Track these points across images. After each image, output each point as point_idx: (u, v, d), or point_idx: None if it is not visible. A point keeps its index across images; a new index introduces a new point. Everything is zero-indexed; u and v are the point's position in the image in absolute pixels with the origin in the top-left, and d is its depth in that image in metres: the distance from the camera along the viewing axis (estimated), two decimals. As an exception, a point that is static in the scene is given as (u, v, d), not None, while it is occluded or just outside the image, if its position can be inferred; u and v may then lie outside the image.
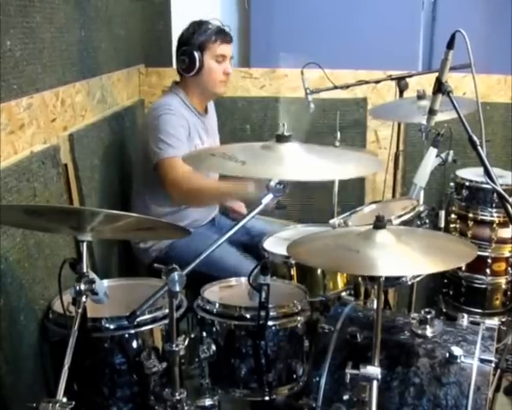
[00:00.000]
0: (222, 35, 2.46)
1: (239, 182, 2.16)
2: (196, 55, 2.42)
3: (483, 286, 2.79)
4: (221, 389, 1.82)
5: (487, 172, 1.62)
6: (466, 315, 1.90)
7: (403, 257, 1.57)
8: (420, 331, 1.80)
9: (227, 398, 1.88)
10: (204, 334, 1.82)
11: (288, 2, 3.26)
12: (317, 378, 1.78)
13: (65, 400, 1.30)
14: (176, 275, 1.42)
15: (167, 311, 1.57)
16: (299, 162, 1.58)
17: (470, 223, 2.78)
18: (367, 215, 2.24)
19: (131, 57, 3.01)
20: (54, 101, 2.00)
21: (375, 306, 1.65)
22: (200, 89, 2.51)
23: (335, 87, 2.69)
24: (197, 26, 2.46)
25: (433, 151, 2.12)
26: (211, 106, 2.69)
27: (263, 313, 1.71)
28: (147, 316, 1.73)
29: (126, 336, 1.71)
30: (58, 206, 1.88)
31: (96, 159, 2.33)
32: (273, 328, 1.79)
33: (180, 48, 2.47)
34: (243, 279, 1.98)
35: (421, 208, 2.16)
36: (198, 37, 2.43)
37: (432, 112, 1.88)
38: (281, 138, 1.60)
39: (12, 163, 1.70)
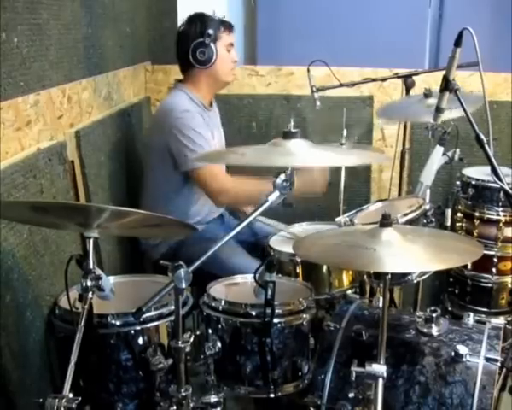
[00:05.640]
0: (227, 24, 2.50)
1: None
2: (213, 46, 2.43)
3: (489, 285, 2.77)
4: (226, 386, 1.83)
5: (494, 171, 1.62)
6: (472, 314, 1.90)
7: (409, 255, 1.56)
8: (425, 330, 1.80)
9: (232, 395, 1.88)
10: (209, 331, 1.83)
11: (294, -1, 3.26)
12: (323, 376, 1.79)
13: (71, 395, 1.31)
14: (182, 272, 1.42)
15: (173, 308, 1.57)
16: (306, 154, 1.59)
17: (476, 222, 2.77)
18: (373, 213, 2.23)
19: (138, 54, 3.01)
20: (60, 98, 2.01)
21: (380, 304, 1.65)
22: (211, 80, 2.51)
23: (341, 85, 2.68)
24: (201, 19, 2.46)
25: (439, 149, 2.12)
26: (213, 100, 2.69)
27: (268, 311, 1.72)
28: (153, 313, 1.74)
29: (132, 332, 1.72)
30: (65, 202, 1.88)
31: (103, 156, 2.34)
32: (278, 325, 1.79)
33: (188, 43, 2.44)
34: (249, 277, 1.98)
35: (427, 207, 2.15)
36: (209, 28, 2.43)
37: (439, 110, 1.87)
38: (287, 135, 1.60)
39: (19, 160, 1.70)
